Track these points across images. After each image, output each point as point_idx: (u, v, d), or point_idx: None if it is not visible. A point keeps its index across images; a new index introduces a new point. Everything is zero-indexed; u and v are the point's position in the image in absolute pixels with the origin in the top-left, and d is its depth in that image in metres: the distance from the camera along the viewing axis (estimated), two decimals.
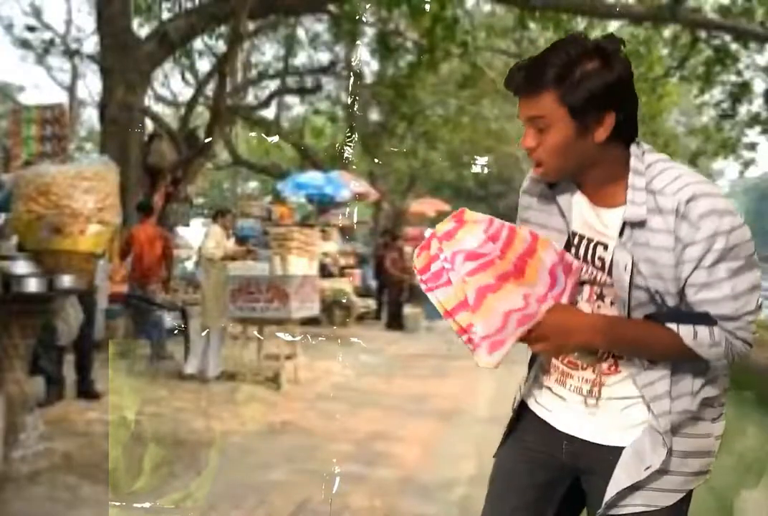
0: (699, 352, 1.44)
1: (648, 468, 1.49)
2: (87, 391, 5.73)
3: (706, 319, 1.43)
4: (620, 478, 1.51)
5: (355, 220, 14.37)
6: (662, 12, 11.23)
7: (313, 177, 13.42)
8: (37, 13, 20.81)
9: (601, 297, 1.55)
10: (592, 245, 1.54)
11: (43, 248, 3.89)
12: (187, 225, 12.49)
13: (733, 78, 13.21)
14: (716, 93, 14.17)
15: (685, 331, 1.43)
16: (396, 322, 12.68)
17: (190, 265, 12.73)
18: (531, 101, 1.44)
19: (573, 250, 1.56)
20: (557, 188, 1.58)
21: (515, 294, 1.43)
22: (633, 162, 1.46)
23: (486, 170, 23.45)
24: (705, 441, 1.55)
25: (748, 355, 1.49)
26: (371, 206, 18.64)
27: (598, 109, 1.41)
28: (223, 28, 13.52)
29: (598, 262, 1.53)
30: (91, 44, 32.10)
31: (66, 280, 3.83)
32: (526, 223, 1.63)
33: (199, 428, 5.10)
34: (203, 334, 6.94)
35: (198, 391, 6.30)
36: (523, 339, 1.47)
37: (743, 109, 13.99)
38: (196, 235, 11.28)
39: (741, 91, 13.26)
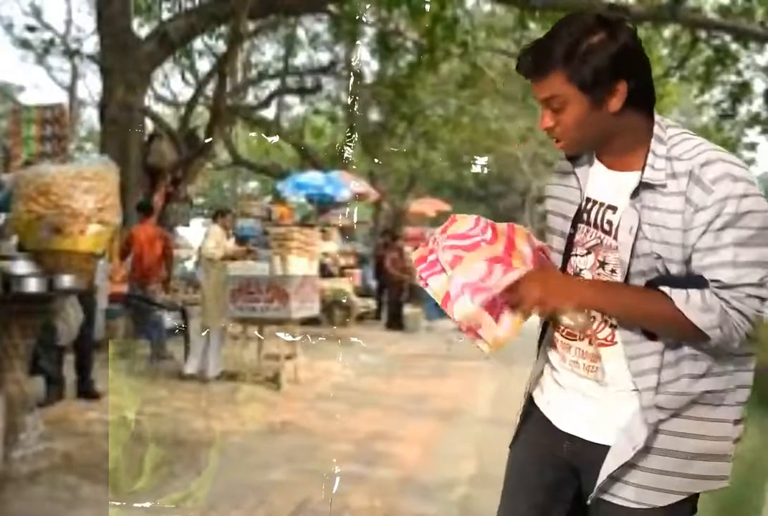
0: (691, 318, 1.39)
1: (635, 447, 1.47)
2: (87, 391, 5.73)
3: (700, 283, 1.40)
4: (609, 461, 1.50)
5: (355, 220, 14.37)
6: (662, 12, 11.22)
7: (313, 177, 13.42)
8: (37, 13, 20.77)
9: (603, 265, 1.53)
10: (602, 209, 1.54)
11: (43, 248, 3.88)
12: (187, 225, 12.48)
13: (733, 78, 13.22)
14: (716, 93, 14.19)
15: (677, 295, 1.40)
16: (396, 322, 12.68)
17: (190, 265, 12.72)
18: (542, 83, 1.46)
19: (584, 216, 1.56)
20: (577, 160, 1.60)
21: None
22: (656, 130, 1.47)
23: (486, 170, 23.44)
24: (719, 444, 1.50)
25: (748, 334, 1.41)
26: (371, 206, 18.63)
27: (608, 80, 1.42)
28: (223, 28, 13.52)
29: (606, 226, 1.52)
30: (91, 44, 32.03)
31: (66, 280, 3.83)
32: (548, 199, 1.68)
33: (199, 428, 5.10)
34: (203, 334, 6.94)
35: (198, 391, 6.30)
36: (516, 306, 1.49)
37: (743, 109, 14.02)
38: (196, 235, 11.27)
39: (741, 91, 13.26)
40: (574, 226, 1.58)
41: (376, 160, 17.81)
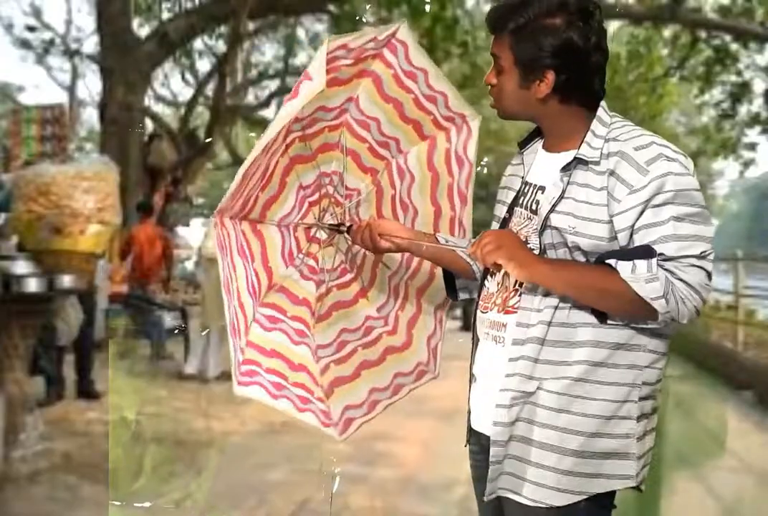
0: (636, 289, 1.35)
1: (497, 423, 1.45)
2: (87, 391, 5.73)
3: (647, 253, 1.37)
4: (492, 449, 1.48)
5: None
6: (662, 12, 11.25)
7: None
8: (37, 13, 20.70)
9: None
10: (534, 190, 1.54)
11: (43, 248, 3.88)
12: (187, 225, 12.48)
13: (733, 78, 13.23)
14: (716, 93, 14.19)
15: (623, 266, 1.37)
16: None
17: (190, 265, 12.71)
18: (496, 40, 1.50)
19: (521, 199, 1.56)
20: (527, 148, 1.62)
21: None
22: (600, 112, 1.48)
23: (485, 170, 23.39)
24: (618, 442, 1.43)
25: (697, 310, 1.37)
26: None
27: (541, 65, 1.44)
28: (223, 28, 13.53)
29: (533, 206, 1.52)
30: (91, 44, 32.02)
31: (66, 280, 3.82)
32: (499, 189, 1.67)
33: (199, 428, 5.09)
34: (203, 334, 6.93)
35: (198, 391, 6.30)
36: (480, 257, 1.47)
37: (743, 109, 14.02)
38: (196, 235, 11.27)
39: (741, 91, 13.27)
40: (510, 211, 1.58)
41: None
